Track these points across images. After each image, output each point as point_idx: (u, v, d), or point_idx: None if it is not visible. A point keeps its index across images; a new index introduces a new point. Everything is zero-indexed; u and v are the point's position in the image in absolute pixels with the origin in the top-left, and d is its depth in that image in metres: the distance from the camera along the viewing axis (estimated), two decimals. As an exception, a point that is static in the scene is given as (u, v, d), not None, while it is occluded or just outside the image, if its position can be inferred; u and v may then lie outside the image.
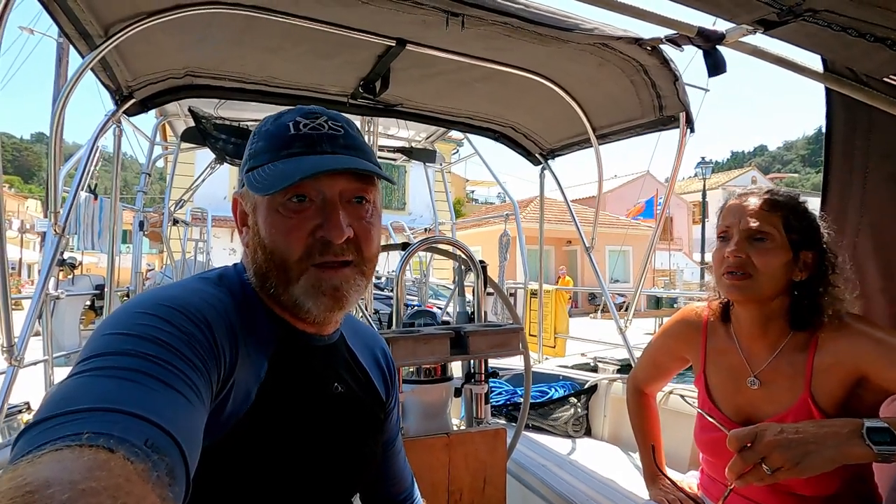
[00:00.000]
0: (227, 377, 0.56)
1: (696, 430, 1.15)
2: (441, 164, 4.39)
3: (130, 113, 1.82)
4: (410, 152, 3.68)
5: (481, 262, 1.67)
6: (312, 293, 0.62)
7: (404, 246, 1.67)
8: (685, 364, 1.27)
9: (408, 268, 1.77)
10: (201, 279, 0.64)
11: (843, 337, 0.97)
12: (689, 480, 1.29)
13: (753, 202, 1.04)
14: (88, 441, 0.36)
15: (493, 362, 1.72)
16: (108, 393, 0.42)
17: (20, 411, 2.42)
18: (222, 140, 2.77)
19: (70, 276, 6.41)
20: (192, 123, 2.85)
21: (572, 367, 2.90)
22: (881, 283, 1.28)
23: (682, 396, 1.89)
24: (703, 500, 1.19)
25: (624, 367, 2.66)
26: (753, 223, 1.01)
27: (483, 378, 1.59)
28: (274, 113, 0.68)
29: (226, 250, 13.28)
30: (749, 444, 0.82)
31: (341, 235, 0.61)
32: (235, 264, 0.71)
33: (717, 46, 1.26)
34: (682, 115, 1.79)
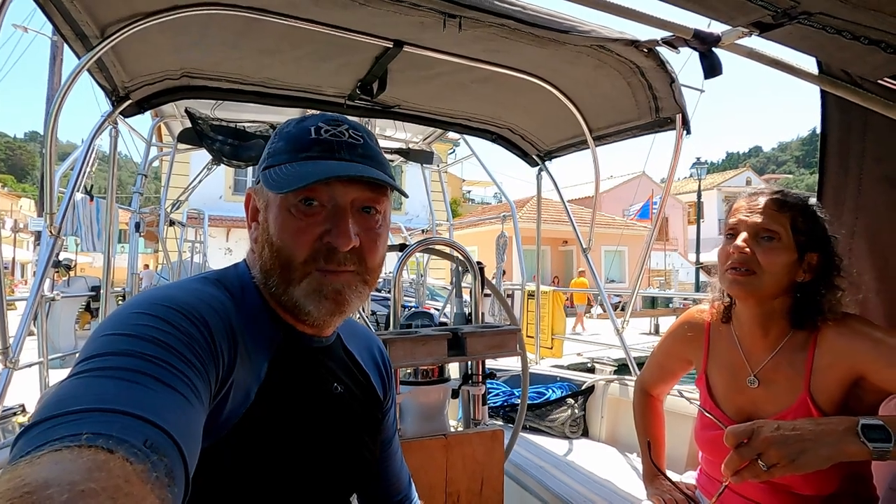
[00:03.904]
0: (226, 378, 0.56)
1: (697, 428, 1.16)
2: (438, 165, 4.39)
3: (127, 114, 1.81)
4: (408, 153, 3.68)
5: (478, 263, 1.67)
6: (314, 297, 0.63)
7: (401, 247, 1.67)
8: (689, 366, 1.28)
9: (405, 269, 1.77)
10: (200, 280, 0.64)
11: (841, 337, 0.98)
12: (687, 481, 1.29)
13: (762, 201, 1.05)
14: (87, 442, 0.36)
15: (490, 363, 1.72)
16: (107, 393, 0.42)
17: (15, 413, 2.40)
18: (219, 141, 2.77)
19: (65, 278, 6.38)
20: (188, 124, 2.84)
21: (569, 368, 2.90)
22: (876, 285, 1.29)
23: (679, 392, 1.89)
24: (701, 500, 1.19)
25: (621, 368, 2.67)
26: (761, 221, 1.02)
27: (480, 379, 1.59)
28: (297, 116, 0.69)
29: (221, 250, 13.25)
30: (746, 441, 0.83)
31: (348, 243, 0.62)
32: (237, 264, 0.71)
33: (713, 49, 1.27)
34: (679, 117, 1.80)
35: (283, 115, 3.08)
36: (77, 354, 0.49)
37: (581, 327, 11.92)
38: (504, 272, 4.83)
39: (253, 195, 0.69)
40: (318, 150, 0.63)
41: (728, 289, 1.08)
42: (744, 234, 1.03)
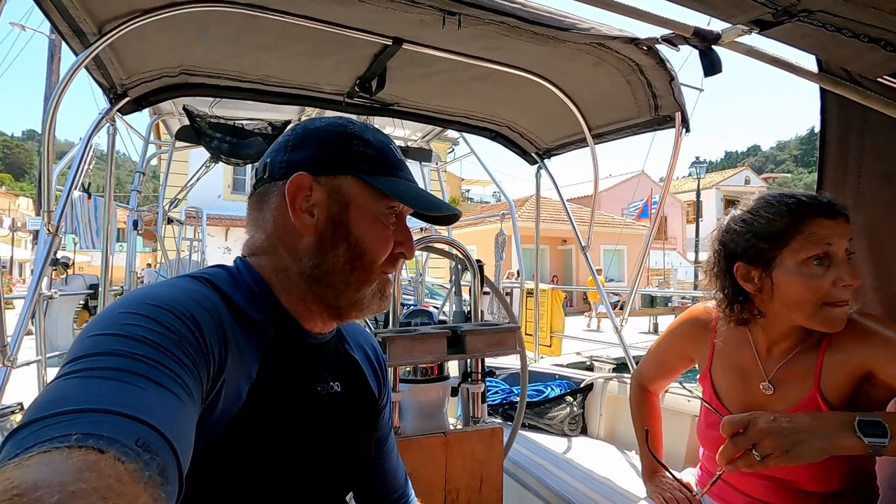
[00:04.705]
0: (217, 376, 0.55)
1: (700, 426, 1.15)
2: (437, 163, 4.38)
3: (124, 111, 1.80)
4: (406, 152, 3.67)
5: (478, 261, 1.67)
6: (379, 296, 0.70)
7: (400, 245, 1.66)
8: (691, 364, 1.27)
9: (404, 267, 1.76)
10: (190, 278, 0.63)
11: (851, 335, 0.97)
12: (686, 478, 1.29)
13: (839, 217, 0.95)
14: (77, 442, 0.35)
15: (489, 361, 1.72)
16: (97, 393, 0.41)
17: (13, 412, 2.39)
18: (217, 139, 2.77)
19: (63, 276, 6.37)
20: (186, 122, 2.84)
21: (568, 366, 2.90)
22: (875, 283, 1.29)
23: (680, 383, 1.88)
24: (702, 498, 1.19)
25: (620, 366, 2.67)
26: (849, 244, 0.95)
27: (480, 377, 1.59)
28: (296, 114, 0.77)
29: (220, 249, 13.25)
30: (741, 431, 0.83)
31: (413, 255, 0.73)
32: (225, 265, 0.69)
33: (713, 46, 1.27)
34: (678, 115, 1.79)
35: (281, 113, 3.07)
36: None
37: (597, 325, 12.06)
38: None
39: (314, 185, 0.64)
40: (405, 172, 0.71)
41: (830, 327, 0.95)
42: (844, 264, 0.94)
